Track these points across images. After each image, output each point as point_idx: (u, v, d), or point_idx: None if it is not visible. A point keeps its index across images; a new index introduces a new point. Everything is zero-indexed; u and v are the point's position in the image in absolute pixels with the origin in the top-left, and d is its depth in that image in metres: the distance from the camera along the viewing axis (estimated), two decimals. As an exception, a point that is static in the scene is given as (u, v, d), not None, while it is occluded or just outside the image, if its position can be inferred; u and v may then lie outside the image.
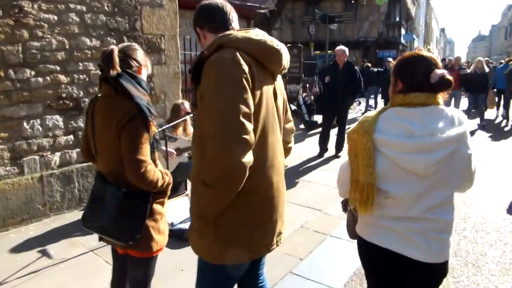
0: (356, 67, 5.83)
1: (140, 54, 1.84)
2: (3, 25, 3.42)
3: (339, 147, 6.07)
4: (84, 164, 4.18)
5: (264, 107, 1.42)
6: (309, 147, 6.70)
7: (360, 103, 11.72)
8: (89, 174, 4.21)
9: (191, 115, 4.33)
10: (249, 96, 1.33)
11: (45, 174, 3.86)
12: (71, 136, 4.07)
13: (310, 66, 11.09)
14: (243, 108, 1.30)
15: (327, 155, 6.17)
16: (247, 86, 1.33)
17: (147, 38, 4.60)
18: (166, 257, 3.03)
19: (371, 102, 11.19)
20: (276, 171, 1.52)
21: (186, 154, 4.38)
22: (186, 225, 3.55)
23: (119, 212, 1.74)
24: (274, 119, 1.50)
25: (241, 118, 1.28)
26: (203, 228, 1.44)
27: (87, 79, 4.11)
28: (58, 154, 3.98)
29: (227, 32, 1.45)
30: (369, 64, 11.29)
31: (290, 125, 1.79)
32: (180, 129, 4.37)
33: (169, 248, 3.26)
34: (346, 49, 5.86)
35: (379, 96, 10.98)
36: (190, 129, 4.52)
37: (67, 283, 2.78)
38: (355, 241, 1.69)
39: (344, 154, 5.97)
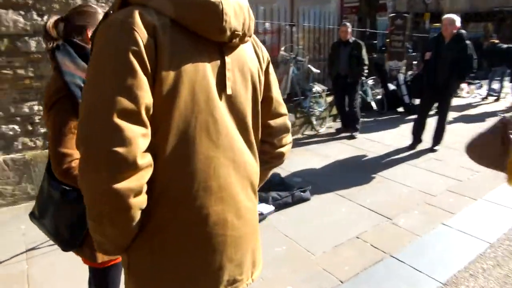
0: (467, 41, 4.54)
1: (95, 17, 1.42)
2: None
3: (437, 139, 4.94)
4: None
5: (185, 97, 0.87)
6: (401, 135, 5.66)
7: (481, 86, 9.65)
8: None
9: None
10: (138, 81, 0.80)
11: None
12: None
13: (422, 40, 9.46)
14: (122, 101, 0.78)
15: (420, 147, 5.09)
16: (135, 66, 0.80)
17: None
18: None
19: (495, 85, 9.08)
20: (219, 196, 0.95)
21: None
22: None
23: (58, 213, 1.40)
24: (215, 115, 0.93)
25: (115, 119, 0.77)
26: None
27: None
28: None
29: None
30: (496, 40, 9.04)
31: (280, 121, 1.18)
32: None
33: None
34: (457, 19, 4.60)
35: (507, 79, 8.76)
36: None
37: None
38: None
39: (443, 148, 4.90)
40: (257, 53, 1.09)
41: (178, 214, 0.91)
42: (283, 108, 1.19)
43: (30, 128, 3.52)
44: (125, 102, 0.78)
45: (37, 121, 3.53)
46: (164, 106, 0.85)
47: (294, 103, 5.73)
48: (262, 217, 3.23)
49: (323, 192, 3.78)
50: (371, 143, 5.39)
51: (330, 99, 6.07)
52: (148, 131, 0.82)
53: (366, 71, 5.56)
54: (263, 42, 5.75)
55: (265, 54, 1.14)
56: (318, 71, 5.82)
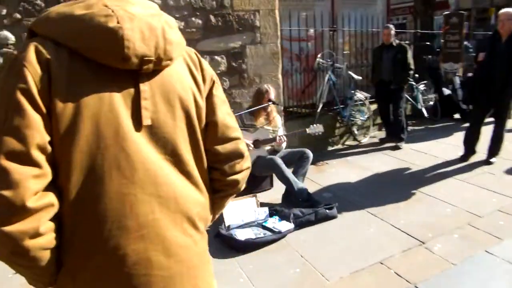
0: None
1: None
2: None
3: (493, 150, 4.36)
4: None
5: (87, 133, 0.82)
6: (452, 145, 5.10)
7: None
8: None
9: (275, 104, 3.75)
10: (26, 120, 0.77)
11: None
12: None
13: (482, 39, 8.53)
14: (9, 142, 0.76)
15: (473, 159, 4.53)
16: (24, 105, 0.77)
17: (238, 16, 4.16)
18: None
19: None
20: (139, 235, 0.88)
21: (266, 148, 3.82)
22: (243, 232, 3.05)
23: None
24: (127, 150, 0.86)
25: (2, 161, 0.75)
26: None
27: (171, 63, 3.99)
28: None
29: (50, 8, 0.88)
30: None
31: (230, 146, 1.06)
32: (261, 118, 3.82)
33: (214, 258, 2.87)
34: (517, 12, 4.04)
35: None
36: (277, 120, 3.93)
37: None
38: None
39: (500, 160, 4.29)
40: (194, 76, 1.01)
41: (91, 258, 0.85)
42: (234, 132, 1.08)
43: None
44: (12, 143, 0.76)
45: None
46: (63, 144, 0.81)
47: (333, 112, 5.45)
48: (280, 235, 3.06)
49: (352, 210, 3.50)
50: (417, 155, 4.92)
51: (374, 107, 5.70)
52: (42, 171, 0.78)
53: (412, 76, 5.12)
54: (302, 50, 5.64)
55: (207, 75, 1.04)
56: (360, 77, 5.49)
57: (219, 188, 1.09)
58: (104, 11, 0.83)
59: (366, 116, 5.52)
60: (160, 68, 0.92)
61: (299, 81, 5.42)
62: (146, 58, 0.86)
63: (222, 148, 1.05)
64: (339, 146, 5.56)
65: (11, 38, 3.37)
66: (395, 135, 5.28)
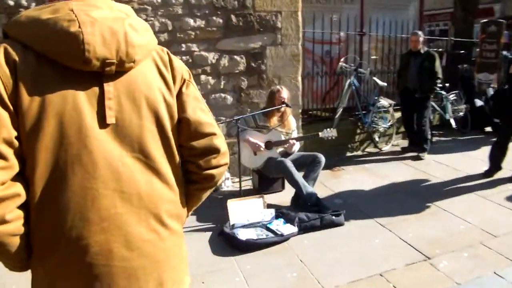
0: None
1: None
2: (111, 9, 3.68)
3: (520, 167, 4.12)
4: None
5: (51, 130, 0.88)
6: (479, 159, 4.85)
7: None
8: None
9: (287, 106, 3.72)
10: None
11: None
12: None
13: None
14: None
15: (498, 175, 4.30)
16: None
17: (260, 16, 4.17)
18: (198, 261, 2.72)
19: None
20: (101, 227, 0.92)
21: (278, 150, 3.80)
22: (245, 232, 3.06)
23: None
24: (90, 147, 0.91)
25: None
26: None
27: (190, 60, 4.06)
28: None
29: (23, 11, 0.95)
30: None
31: (205, 142, 1.09)
32: (274, 119, 3.81)
33: (211, 252, 2.91)
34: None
35: None
36: (291, 122, 3.90)
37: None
38: None
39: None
40: (163, 76, 1.04)
41: (56, 246, 0.91)
42: (208, 128, 1.10)
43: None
44: None
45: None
46: (29, 140, 0.87)
47: (355, 118, 5.35)
48: (282, 238, 3.04)
49: (361, 218, 3.42)
50: (439, 167, 4.73)
51: (398, 114, 5.53)
52: (8, 163, 0.84)
53: (439, 85, 4.92)
54: (327, 53, 5.57)
55: (178, 74, 1.07)
56: (385, 84, 5.34)
57: (195, 180, 1.12)
58: (68, 16, 0.88)
59: (389, 124, 5.37)
60: (123, 69, 0.95)
61: (323, 85, 5.35)
62: (108, 60, 0.90)
63: (197, 143, 1.08)
64: (359, 153, 5.44)
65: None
66: (418, 145, 5.10)
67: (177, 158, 1.06)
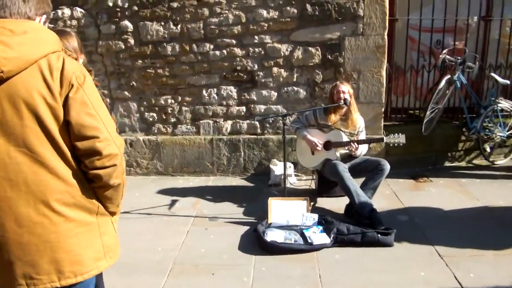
0: None
1: (73, 43, 1.78)
2: (188, 6, 3.94)
3: None
4: (252, 136, 4.29)
5: None
6: None
7: None
8: (255, 146, 4.28)
9: (345, 104, 3.38)
10: None
11: (215, 138, 4.31)
12: (243, 107, 4.24)
13: None
14: None
15: None
16: None
17: (338, 4, 3.83)
18: (221, 253, 2.85)
19: None
20: None
21: (341, 151, 3.50)
22: (274, 233, 2.97)
23: None
24: None
25: None
26: None
27: (263, 52, 4.05)
28: (229, 122, 4.29)
29: None
30: None
31: (86, 144, 1.21)
32: (333, 116, 3.49)
33: (237, 247, 2.93)
34: None
35: None
36: (356, 122, 3.52)
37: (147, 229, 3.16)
38: None
39: None
40: (47, 82, 1.17)
41: None
42: (91, 131, 1.20)
43: (164, 117, 4.32)
44: None
45: (169, 111, 4.30)
46: None
47: (460, 122, 4.46)
48: (309, 247, 2.83)
49: (418, 242, 2.90)
50: None
51: (527, 121, 4.38)
52: None
53: None
54: (439, 43, 4.70)
55: (65, 80, 1.19)
56: (507, 82, 4.27)
57: (89, 178, 1.26)
58: None
59: (508, 132, 4.30)
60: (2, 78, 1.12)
61: (430, 80, 4.58)
62: None
63: (80, 144, 1.20)
64: (462, 164, 4.53)
65: (130, 26, 4.06)
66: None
67: (68, 154, 1.20)
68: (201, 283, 2.54)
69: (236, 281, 2.55)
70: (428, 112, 4.02)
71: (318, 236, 2.92)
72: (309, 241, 2.89)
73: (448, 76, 4.11)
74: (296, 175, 4.25)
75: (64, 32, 1.77)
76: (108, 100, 4.32)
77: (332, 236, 2.91)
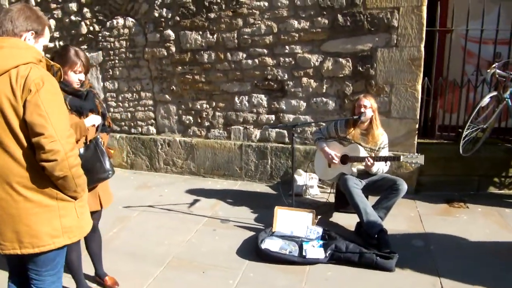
0: None
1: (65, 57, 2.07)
2: (224, 17, 4.14)
3: None
4: (279, 145, 4.33)
5: None
6: None
7: None
8: (282, 154, 4.33)
9: (359, 119, 3.25)
10: None
11: (245, 143, 4.45)
12: (273, 116, 4.31)
13: None
14: None
15: None
16: None
17: (371, 14, 3.70)
18: (218, 254, 2.99)
19: None
20: None
21: (356, 167, 3.39)
22: (271, 242, 3.01)
23: None
24: None
25: None
26: None
27: (293, 62, 4.08)
28: (259, 129, 4.39)
29: None
30: None
31: (35, 140, 1.46)
32: (352, 130, 3.38)
33: (235, 250, 3.04)
34: None
35: None
36: (378, 138, 3.38)
37: (161, 225, 3.44)
38: None
39: None
40: (12, 87, 1.45)
41: None
42: (39, 129, 1.46)
43: (199, 120, 4.58)
44: None
45: (204, 116, 4.55)
46: None
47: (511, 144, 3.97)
48: (303, 260, 2.81)
49: (423, 271, 2.69)
50: None
51: None
52: None
53: None
54: (500, 56, 4.20)
55: (26, 86, 1.46)
56: None
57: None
58: None
59: None
60: None
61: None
62: None
63: (32, 139, 1.47)
64: (509, 192, 4.02)
65: (172, 35, 4.40)
66: None
67: (25, 145, 1.48)
68: (190, 278, 2.69)
69: (222, 282, 2.64)
70: (465, 132, 3.65)
71: (314, 250, 2.88)
72: (304, 254, 2.86)
73: (495, 93, 3.69)
74: (319, 187, 4.18)
75: (64, 48, 2.09)
76: (151, 102, 4.74)
77: (328, 252, 2.84)
